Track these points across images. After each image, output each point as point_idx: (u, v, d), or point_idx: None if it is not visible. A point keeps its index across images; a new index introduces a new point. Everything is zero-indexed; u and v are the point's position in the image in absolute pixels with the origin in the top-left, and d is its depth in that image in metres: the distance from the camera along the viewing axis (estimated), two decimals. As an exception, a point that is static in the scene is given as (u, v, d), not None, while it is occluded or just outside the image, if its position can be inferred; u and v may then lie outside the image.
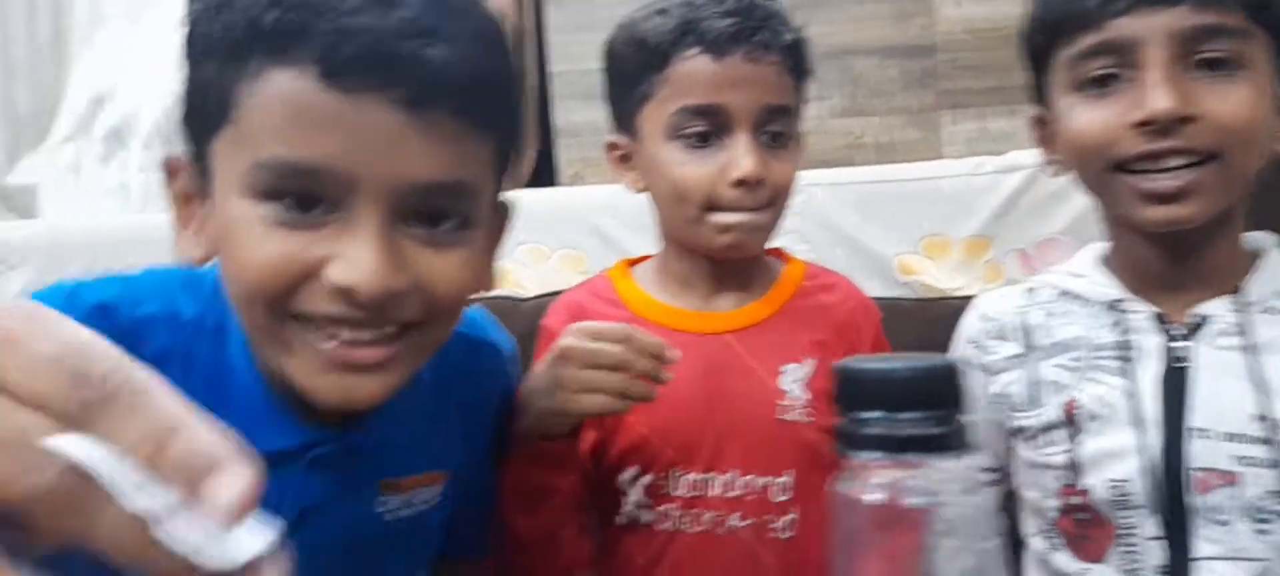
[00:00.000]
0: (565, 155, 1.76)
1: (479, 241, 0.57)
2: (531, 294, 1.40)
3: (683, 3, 0.81)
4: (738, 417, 0.82)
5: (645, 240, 1.42)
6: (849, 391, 0.31)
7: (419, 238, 0.53)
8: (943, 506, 0.29)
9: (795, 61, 0.82)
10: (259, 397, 0.59)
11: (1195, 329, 0.72)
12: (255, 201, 0.51)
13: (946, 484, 0.29)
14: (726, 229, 0.80)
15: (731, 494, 0.82)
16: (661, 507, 0.82)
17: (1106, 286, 0.77)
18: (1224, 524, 0.68)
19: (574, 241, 1.49)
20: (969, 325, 0.85)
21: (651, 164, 0.83)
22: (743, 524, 0.82)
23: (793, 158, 0.82)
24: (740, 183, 0.78)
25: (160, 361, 0.50)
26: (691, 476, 0.82)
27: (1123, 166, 0.70)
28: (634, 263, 0.93)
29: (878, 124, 1.74)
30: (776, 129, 0.80)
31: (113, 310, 0.56)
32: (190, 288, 0.60)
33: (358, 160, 0.49)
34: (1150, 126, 0.67)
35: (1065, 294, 0.80)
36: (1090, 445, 0.74)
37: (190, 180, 0.57)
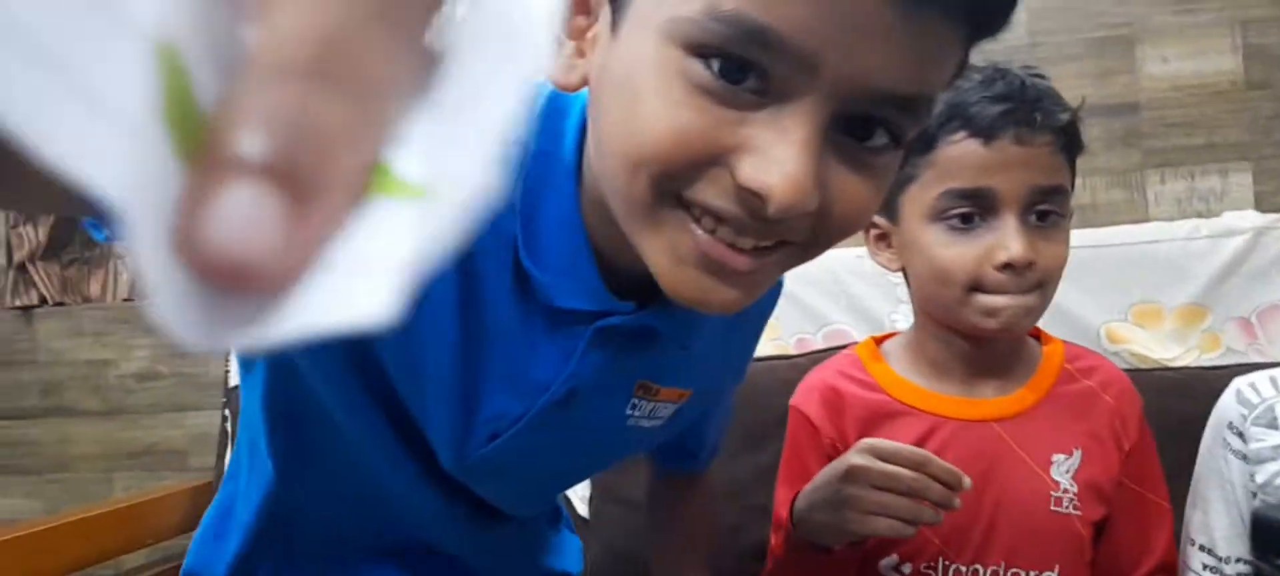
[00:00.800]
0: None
1: (894, 165, 0.47)
2: (771, 354, 1.42)
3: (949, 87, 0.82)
4: (1009, 509, 0.82)
5: (834, 307, 1.45)
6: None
7: (843, 150, 0.44)
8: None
9: (1067, 141, 0.81)
10: (576, 250, 0.53)
11: None
12: (683, 52, 0.41)
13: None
14: (993, 312, 0.79)
15: None
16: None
17: None
18: None
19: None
20: (1227, 409, 0.83)
21: (913, 245, 0.83)
22: None
23: (1063, 238, 0.81)
24: (1007, 266, 0.77)
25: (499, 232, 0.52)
26: (958, 567, 0.82)
27: None
28: (880, 341, 0.94)
29: (1081, 185, 1.69)
30: (1046, 209, 0.79)
31: None
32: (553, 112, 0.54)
33: (828, 42, 0.39)
34: None
35: None
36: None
37: None
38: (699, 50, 0.41)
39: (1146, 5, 1.66)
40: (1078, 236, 1.47)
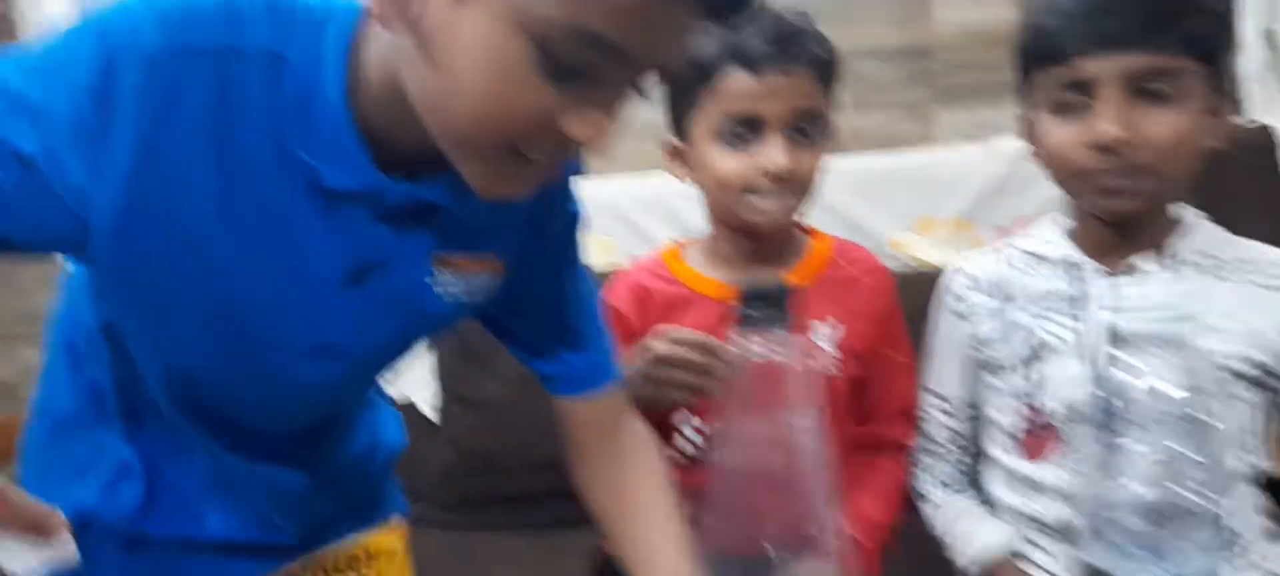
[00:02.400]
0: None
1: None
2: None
3: (728, 25, 0.94)
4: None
5: (663, 226, 1.60)
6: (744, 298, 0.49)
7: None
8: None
9: (824, 72, 0.96)
10: (344, 135, 0.58)
11: (1123, 272, 0.90)
12: (525, 40, 0.50)
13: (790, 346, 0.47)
14: (763, 211, 0.95)
15: None
16: (694, 442, 0.99)
17: (1065, 249, 0.95)
18: (1144, 427, 0.86)
19: (604, 227, 1.66)
20: (953, 281, 1.02)
21: (700, 160, 0.98)
22: None
23: (819, 150, 0.97)
24: (772, 174, 0.93)
25: (255, 86, 0.56)
26: None
27: (1082, 172, 0.87)
28: (682, 245, 1.09)
29: (879, 118, 1.90)
30: (804, 127, 0.94)
31: (193, 61, 0.55)
32: (286, 19, 0.58)
33: (641, 44, 0.51)
34: (1102, 149, 0.84)
35: (1031, 255, 0.98)
36: (1048, 373, 0.91)
37: None
38: (543, 46, 0.50)
39: (939, -41, 1.88)
40: (872, 160, 1.71)
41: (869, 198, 1.65)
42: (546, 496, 1.42)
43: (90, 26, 0.55)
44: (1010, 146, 1.60)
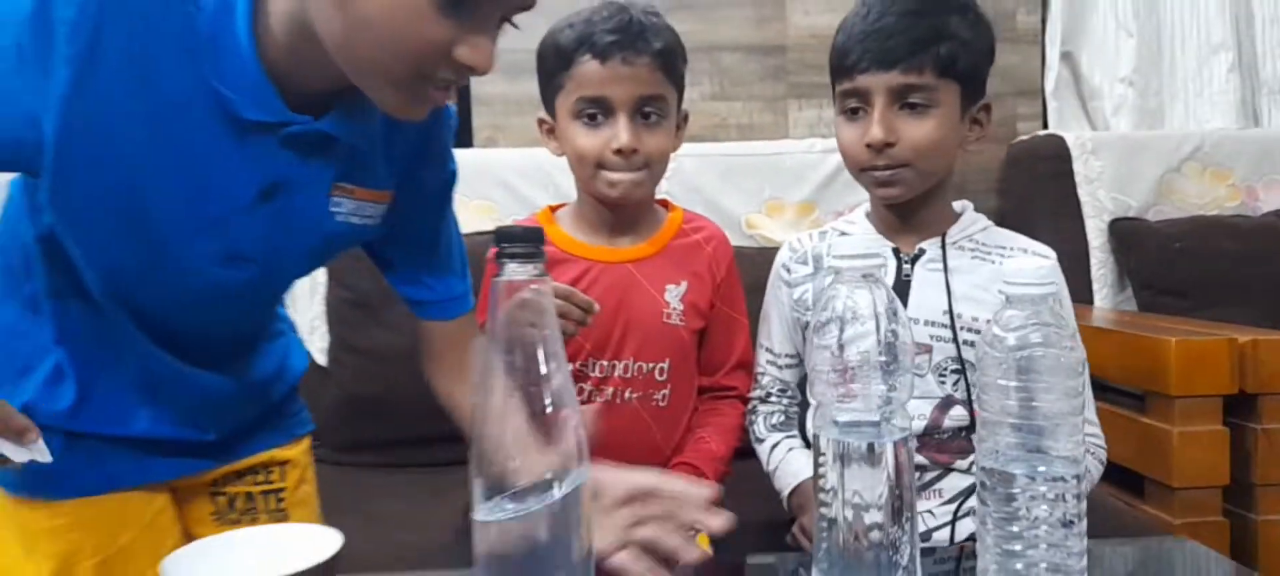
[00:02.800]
0: (478, 121, 2.04)
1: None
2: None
3: (584, 20, 1.10)
4: (635, 322, 1.15)
5: (543, 193, 1.75)
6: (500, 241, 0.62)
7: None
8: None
9: (666, 62, 1.10)
10: (252, 74, 0.69)
11: (915, 258, 1.12)
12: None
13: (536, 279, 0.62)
14: (613, 184, 1.11)
15: (627, 376, 1.16)
16: (579, 384, 1.14)
17: (866, 230, 1.16)
18: (922, 376, 1.08)
19: (486, 193, 1.80)
20: (782, 254, 1.22)
21: (563, 136, 1.13)
22: (634, 396, 1.16)
23: (666, 133, 1.12)
24: (618, 151, 1.08)
25: (174, 31, 0.65)
26: (602, 362, 1.15)
27: (862, 167, 1.08)
28: (554, 210, 1.24)
29: (739, 108, 2.11)
30: (649, 110, 1.10)
31: (122, 3, 0.65)
32: None
33: None
34: (872, 147, 1.05)
35: (842, 234, 1.19)
36: (850, 331, 1.13)
37: None
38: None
39: (795, -32, 2.10)
40: (732, 147, 1.91)
41: (729, 182, 1.85)
42: (429, 440, 1.55)
43: None
44: (846, 142, 1.83)
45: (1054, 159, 1.94)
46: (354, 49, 0.67)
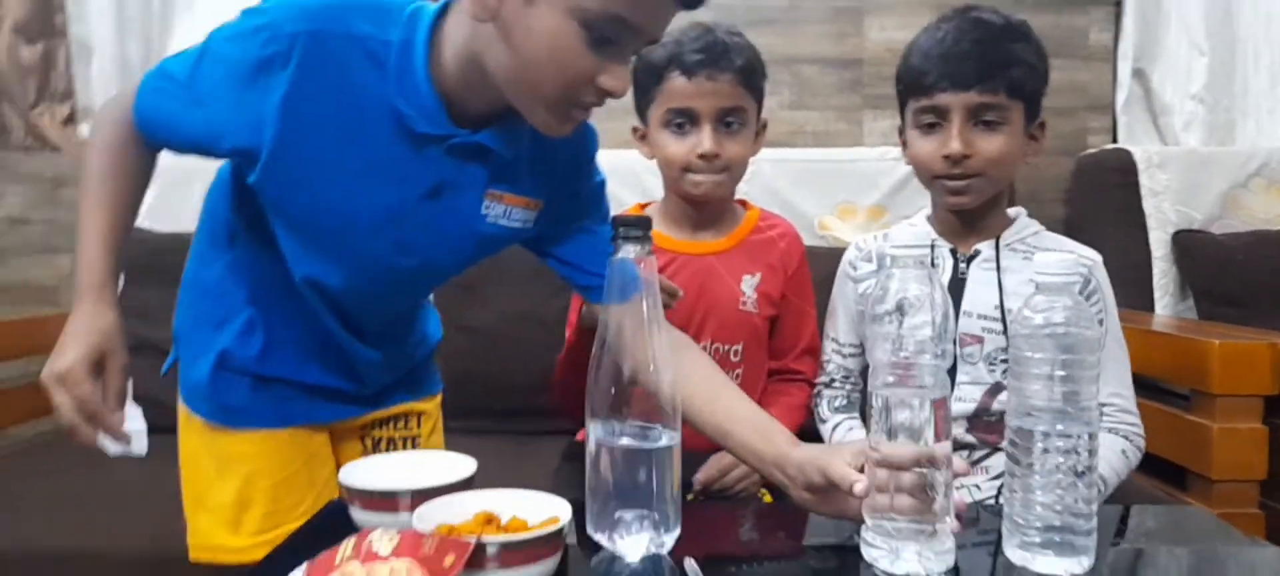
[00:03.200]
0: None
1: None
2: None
3: (674, 40, 1.24)
4: (714, 308, 1.30)
5: (631, 193, 1.91)
6: (617, 226, 0.79)
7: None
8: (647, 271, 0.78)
9: (747, 78, 1.24)
10: (427, 97, 0.85)
11: (971, 258, 1.24)
12: (576, 24, 0.77)
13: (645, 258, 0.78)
14: (696, 186, 1.26)
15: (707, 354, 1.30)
16: None
17: (926, 232, 1.29)
18: (974, 364, 1.20)
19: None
20: (849, 253, 1.36)
21: (655, 142, 1.28)
22: None
23: (745, 140, 1.26)
24: (702, 156, 1.23)
25: (367, 61, 0.83)
26: None
27: (936, 177, 1.21)
28: (643, 207, 1.39)
29: (816, 117, 2.24)
30: (730, 120, 1.24)
31: (326, 37, 0.82)
32: (384, 15, 0.85)
33: (647, 22, 0.79)
34: (949, 159, 1.17)
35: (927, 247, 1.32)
36: (909, 322, 1.25)
37: None
38: (588, 25, 0.77)
39: (873, -14, 2.22)
40: (807, 153, 2.05)
41: (804, 185, 1.99)
42: (525, 412, 1.73)
43: (259, 13, 0.84)
44: (919, 151, 1.95)
45: (1120, 171, 2.02)
46: (520, 78, 0.82)
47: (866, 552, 0.79)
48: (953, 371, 1.22)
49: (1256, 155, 2.02)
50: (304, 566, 0.64)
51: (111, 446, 0.90)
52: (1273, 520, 1.35)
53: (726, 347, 1.31)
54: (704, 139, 1.24)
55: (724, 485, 1.24)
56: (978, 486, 1.20)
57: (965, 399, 1.21)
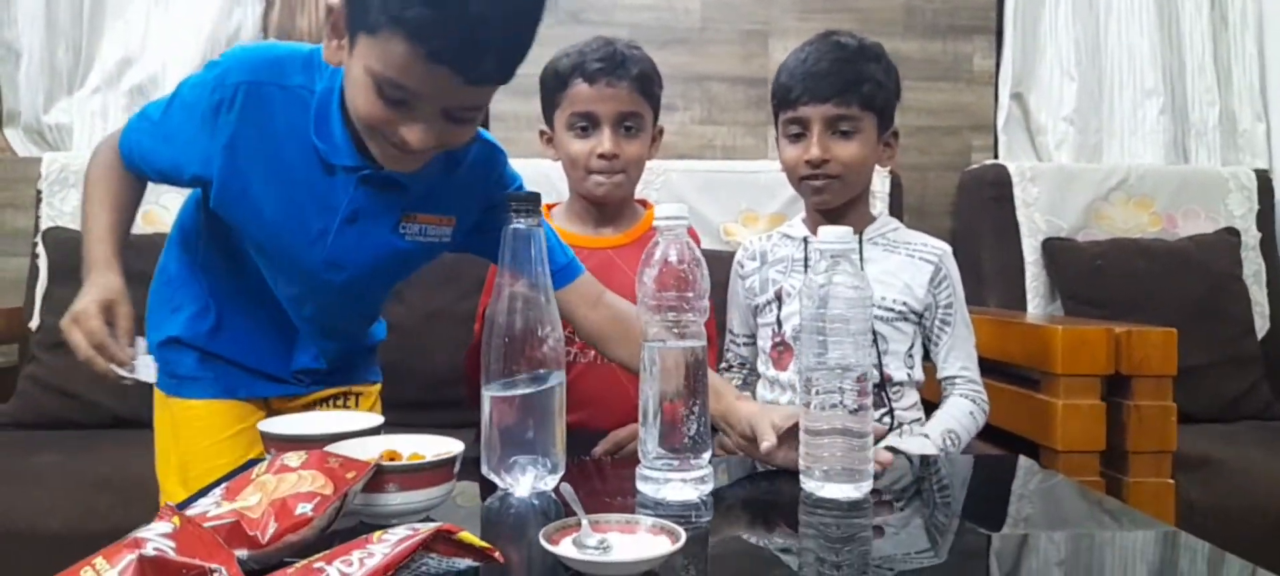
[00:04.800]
0: (494, 134, 2.31)
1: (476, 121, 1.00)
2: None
3: (578, 50, 1.38)
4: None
5: (547, 196, 2.03)
6: (510, 200, 0.92)
7: (453, 118, 0.93)
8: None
9: (641, 85, 1.37)
10: (339, 136, 0.99)
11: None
12: (370, 80, 0.87)
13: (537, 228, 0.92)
14: (598, 185, 1.39)
15: None
16: (568, 349, 1.38)
17: (801, 231, 1.43)
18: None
19: (501, 198, 2.08)
20: (739, 253, 1.50)
21: (560, 144, 1.41)
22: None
23: (643, 143, 1.39)
24: (602, 156, 1.37)
25: (296, 106, 0.99)
26: None
27: (801, 178, 1.36)
28: (550, 207, 1.50)
29: (725, 132, 2.39)
30: (629, 124, 1.38)
31: (262, 87, 0.98)
32: (313, 67, 1.00)
33: (430, 92, 0.87)
34: (810, 163, 1.33)
35: (783, 235, 1.46)
36: (786, 309, 1.40)
37: (341, 21, 0.90)
38: (377, 84, 0.88)
39: (779, 11, 2.38)
40: (713, 164, 2.19)
41: (710, 194, 2.13)
42: (441, 403, 1.82)
43: (216, 66, 1.01)
44: (816, 163, 2.11)
45: (997, 185, 2.21)
46: (353, 116, 0.96)
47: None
48: (825, 348, 1.37)
49: (1117, 172, 2.23)
50: (222, 486, 0.74)
51: (123, 374, 1.02)
52: (1112, 488, 1.52)
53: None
54: (604, 140, 1.37)
55: (623, 455, 1.35)
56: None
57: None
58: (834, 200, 1.36)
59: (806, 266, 1.39)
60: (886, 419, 1.33)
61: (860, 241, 1.38)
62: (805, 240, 1.41)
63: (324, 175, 1.01)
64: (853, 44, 1.34)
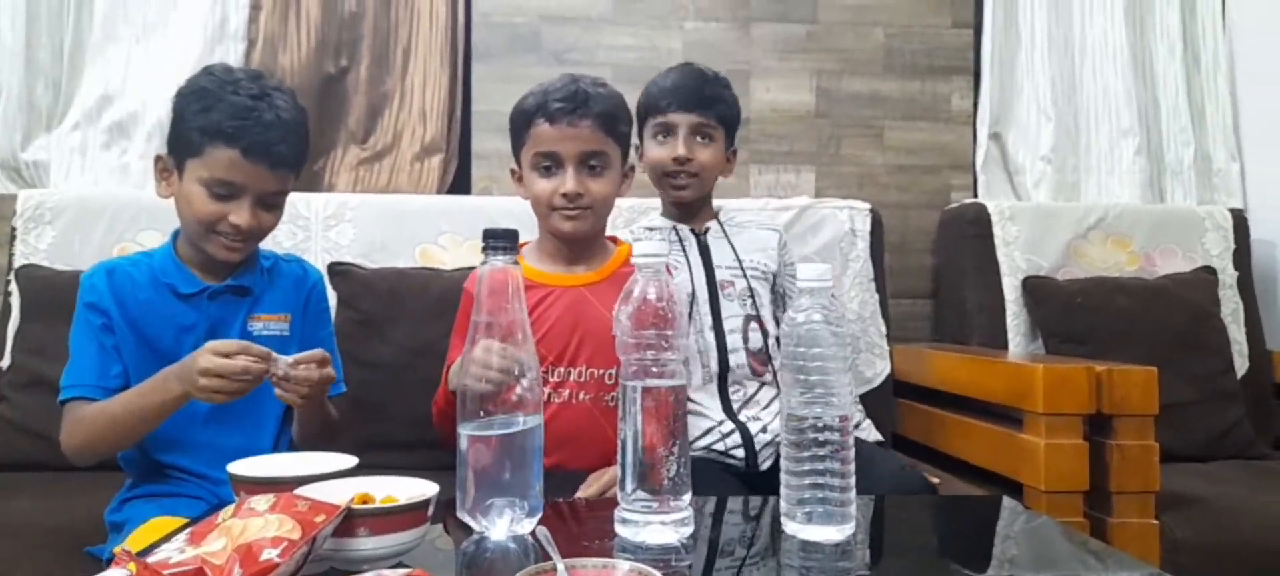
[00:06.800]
0: (477, 172, 2.32)
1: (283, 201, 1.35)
2: (450, 267, 1.96)
3: (543, 90, 1.37)
4: (589, 335, 1.39)
5: (528, 233, 2.02)
6: (486, 237, 0.92)
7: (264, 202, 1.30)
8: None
9: (605, 123, 1.36)
10: (178, 269, 1.31)
11: (705, 232, 1.55)
12: (200, 185, 1.24)
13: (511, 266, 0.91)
14: (566, 221, 1.38)
15: (582, 380, 1.40)
16: (544, 387, 1.37)
17: (664, 222, 1.60)
18: (732, 300, 1.51)
19: (480, 234, 2.06)
20: None
21: (527, 183, 1.41)
22: (587, 397, 1.40)
23: (609, 181, 1.38)
24: (565, 195, 1.35)
25: (146, 267, 1.33)
26: (560, 369, 1.40)
27: (665, 175, 1.54)
28: (521, 245, 1.48)
29: (706, 170, 2.40)
30: (593, 163, 1.37)
31: (115, 269, 1.30)
32: (147, 254, 1.35)
33: (248, 182, 1.24)
34: (676, 160, 1.53)
35: (647, 227, 1.63)
36: (679, 278, 1.47)
37: (168, 163, 1.29)
38: (207, 187, 1.25)
39: (759, 53, 2.40)
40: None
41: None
42: (422, 444, 1.79)
43: (84, 286, 1.30)
44: (798, 201, 2.11)
45: (977, 223, 2.23)
46: (185, 227, 1.31)
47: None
48: (718, 311, 1.53)
49: (1095, 210, 2.25)
50: (187, 531, 0.72)
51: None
52: (1097, 529, 1.51)
53: (601, 371, 1.40)
54: (567, 180, 1.36)
55: (609, 498, 1.33)
56: (757, 418, 1.45)
57: (734, 329, 1.52)
58: (691, 196, 1.60)
59: (683, 246, 1.58)
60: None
61: (720, 223, 1.64)
62: (675, 227, 1.61)
63: (179, 304, 1.30)
64: (709, 72, 1.63)
